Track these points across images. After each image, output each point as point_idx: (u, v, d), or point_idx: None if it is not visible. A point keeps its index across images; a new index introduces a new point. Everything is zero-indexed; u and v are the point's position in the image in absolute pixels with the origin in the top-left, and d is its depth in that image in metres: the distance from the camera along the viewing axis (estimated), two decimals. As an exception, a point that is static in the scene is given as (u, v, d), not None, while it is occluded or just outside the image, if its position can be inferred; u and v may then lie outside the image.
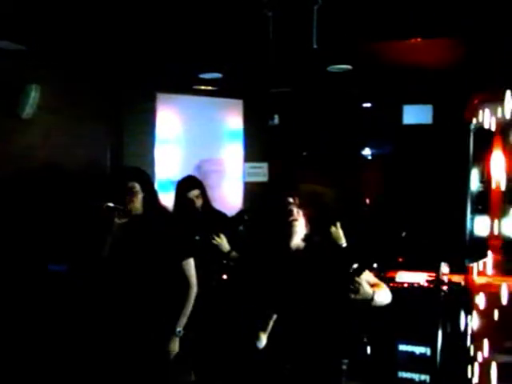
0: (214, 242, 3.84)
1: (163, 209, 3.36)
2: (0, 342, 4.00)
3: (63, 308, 4.10)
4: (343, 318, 2.59)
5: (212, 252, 3.84)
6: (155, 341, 3.08)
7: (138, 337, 3.05)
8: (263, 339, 2.54)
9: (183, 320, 3.13)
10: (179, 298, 3.13)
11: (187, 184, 4.06)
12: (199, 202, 4.00)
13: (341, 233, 3.81)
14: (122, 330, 3.08)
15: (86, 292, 3.45)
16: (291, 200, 2.62)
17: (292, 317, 2.54)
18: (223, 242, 3.86)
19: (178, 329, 3.13)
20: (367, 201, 5.35)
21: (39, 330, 4.10)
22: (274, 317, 2.54)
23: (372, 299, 2.46)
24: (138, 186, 3.13)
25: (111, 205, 3.04)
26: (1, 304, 4.12)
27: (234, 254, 3.89)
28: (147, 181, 3.25)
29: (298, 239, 2.62)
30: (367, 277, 2.61)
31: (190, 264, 3.17)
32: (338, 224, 3.82)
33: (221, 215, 4.16)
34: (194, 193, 3.99)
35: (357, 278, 2.41)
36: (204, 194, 4.05)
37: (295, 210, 2.60)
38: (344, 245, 3.78)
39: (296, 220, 2.59)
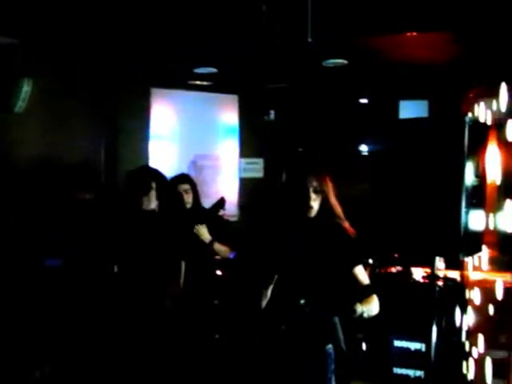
0: (194, 230, 3.93)
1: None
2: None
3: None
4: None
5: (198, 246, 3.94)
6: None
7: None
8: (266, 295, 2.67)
9: None
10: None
11: (178, 178, 4.11)
12: (189, 198, 4.03)
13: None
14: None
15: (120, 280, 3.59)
16: (312, 183, 2.62)
17: (291, 279, 2.60)
18: (203, 231, 3.96)
19: None
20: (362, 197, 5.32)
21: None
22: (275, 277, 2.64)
23: (361, 316, 2.44)
24: (154, 185, 3.52)
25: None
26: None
27: (216, 245, 4.00)
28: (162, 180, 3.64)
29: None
30: (361, 273, 2.62)
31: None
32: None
33: (205, 210, 4.20)
34: (184, 187, 4.03)
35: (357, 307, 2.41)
36: (194, 191, 4.08)
37: (312, 194, 2.61)
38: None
39: (312, 208, 2.61)
